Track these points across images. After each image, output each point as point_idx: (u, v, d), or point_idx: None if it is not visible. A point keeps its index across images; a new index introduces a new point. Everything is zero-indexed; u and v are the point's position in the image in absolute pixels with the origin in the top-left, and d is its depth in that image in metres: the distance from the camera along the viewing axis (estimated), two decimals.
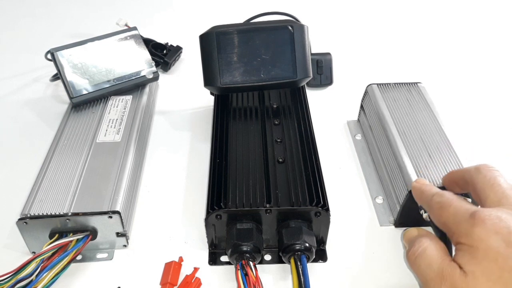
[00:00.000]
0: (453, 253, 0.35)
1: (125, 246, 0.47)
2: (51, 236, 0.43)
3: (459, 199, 0.36)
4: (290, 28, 0.54)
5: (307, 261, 0.41)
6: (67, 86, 0.57)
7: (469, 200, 0.39)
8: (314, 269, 0.44)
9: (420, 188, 0.42)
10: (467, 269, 0.32)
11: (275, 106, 0.57)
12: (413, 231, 0.40)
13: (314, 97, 0.68)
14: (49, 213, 0.43)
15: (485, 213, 0.32)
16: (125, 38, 0.62)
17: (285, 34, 0.54)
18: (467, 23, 0.91)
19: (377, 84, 0.59)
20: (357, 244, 0.47)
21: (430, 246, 0.35)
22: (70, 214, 0.43)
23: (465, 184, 0.39)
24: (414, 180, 0.44)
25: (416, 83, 0.59)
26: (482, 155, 0.58)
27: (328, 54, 0.70)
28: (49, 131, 0.60)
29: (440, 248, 0.35)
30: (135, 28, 0.63)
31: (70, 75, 0.57)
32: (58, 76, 0.57)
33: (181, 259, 0.45)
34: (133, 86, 0.61)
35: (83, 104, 0.58)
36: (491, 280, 0.30)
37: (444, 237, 0.37)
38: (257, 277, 0.41)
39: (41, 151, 0.54)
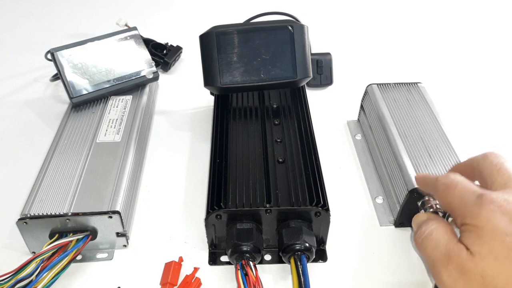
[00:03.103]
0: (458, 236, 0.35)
1: (125, 246, 0.47)
2: (51, 236, 0.43)
3: (465, 180, 0.36)
4: (290, 28, 0.54)
5: (307, 261, 0.42)
6: (67, 86, 0.57)
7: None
8: (314, 269, 0.44)
9: (423, 176, 0.41)
10: (473, 250, 0.31)
11: (275, 106, 0.57)
12: (423, 215, 0.40)
13: (314, 97, 0.68)
14: (49, 213, 0.43)
15: (492, 195, 0.32)
16: (125, 38, 0.62)
17: (285, 34, 0.54)
18: (467, 23, 0.91)
19: (377, 84, 0.59)
20: (357, 244, 0.47)
21: (437, 228, 0.35)
22: (70, 214, 0.43)
23: (471, 172, 0.38)
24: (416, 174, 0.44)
25: (416, 83, 0.59)
26: None
27: (328, 54, 0.70)
28: (49, 131, 0.60)
29: (447, 230, 0.35)
30: (135, 28, 0.63)
31: (70, 75, 0.57)
32: (58, 76, 0.57)
33: (181, 259, 0.45)
34: (133, 86, 0.61)
35: (83, 104, 0.58)
36: (498, 259, 0.30)
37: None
38: (257, 277, 0.41)
39: (41, 151, 0.54)
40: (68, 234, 0.43)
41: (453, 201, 0.35)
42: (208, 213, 0.43)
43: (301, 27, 0.54)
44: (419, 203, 0.44)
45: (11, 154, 0.59)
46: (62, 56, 0.57)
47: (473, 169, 0.38)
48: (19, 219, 0.43)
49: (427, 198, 0.43)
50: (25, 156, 0.58)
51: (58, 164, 0.49)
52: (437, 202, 0.42)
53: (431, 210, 0.42)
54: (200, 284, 0.43)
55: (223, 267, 0.45)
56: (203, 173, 0.55)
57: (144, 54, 0.62)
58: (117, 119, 0.56)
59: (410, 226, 0.48)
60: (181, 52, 0.78)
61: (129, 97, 0.60)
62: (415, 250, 0.45)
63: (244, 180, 0.45)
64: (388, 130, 0.53)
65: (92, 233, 0.44)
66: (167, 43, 0.77)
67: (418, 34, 0.87)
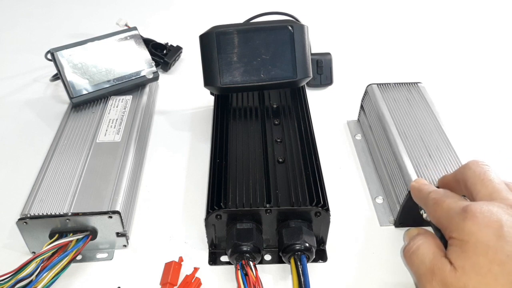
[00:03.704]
0: None
1: (125, 246, 0.47)
2: (51, 236, 0.43)
3: (454, 196, 0.36)
4: (290, 28, 0.54)
5: (307, 261, 0.42)
6: (67, 86, 0.57)
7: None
8: (314, 269, 0.44)
9: (418, 187, 0.42)
10: (457, 264, 0.32)
11: (275, 106, 0.57)
12: (414, 230, 0.40)
13: (314, 97, 0.68)
14: (49, 213, 0.43)
15: (477, 207, 0.32)
16: (125, 38, 0.62)
17: (285, 34, 0.54)
18: (467, 23, 0.91)
19: (377, 84, 0.59)
20: (357, 244, 0.47)
21: (424, 244, 0.36)
22: (70, 214, 0.43)
23: (457, 184, 0.39)
24: (414, 180, 0.44)
25: (416, 83, 0.59)
26: (482, 155, 0.58)
27: (328, 54, 0.70)
28: (49, 131, 0.60)
29: (434, 245, 0.35)
30: (135, 28, 0.63)
31: (70, 75, 0.57)
32: (58, 76, 0.57)
33: (181, 259, 0.45)
34: (133, 86, 0.61)
35: (83, 104, 0.58)
36: (480, 274, 0.30)
37: (442, 236, 0.37)
38: (257, 277, 0.41)
39: (41, 151, 0.54)
40: (68, 234, 0.43)
41: (441, 216, 0.35)
42: (208, 213, 0.43)
43: (301, 27, 0.54)
44: None
45: (11, 154, 0.59)
46: (62, 56, 0.57)
47: (457, 180, 0.38)
48: (19, 219, 0.43)
49: None
50: (25, 156, 0.58)
51: (58, 164, 0.49)
52: None
53: None
54: (200, 284, 0.43)
55: (223, 267, 0.45)
56: (203, 173, 0.55)
57: (144, 54, 0.62)
58: (117, 119, 0.56)
59: (410, 226, 0.48)
60: (181, 52, 0.78)
61: (129, 97, 0.60)
62: (404, 265, 0.45)
63: (244, 180, 0.45)
64: (388, 130, 0.53)
65: (92, 233, 0.44)
66: (167, 43, 0.77)
67: (418, 34, 0.87)
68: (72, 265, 0.44)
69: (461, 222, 0.32)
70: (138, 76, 0.61)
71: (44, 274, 0.40)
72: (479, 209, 0.32)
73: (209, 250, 0.46)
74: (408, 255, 0.36)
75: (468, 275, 0.31)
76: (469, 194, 0.36)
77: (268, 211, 0.42)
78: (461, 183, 0.38)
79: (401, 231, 0.49)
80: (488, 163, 0.37)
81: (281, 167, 0.47)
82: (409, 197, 0.45)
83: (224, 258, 0.45)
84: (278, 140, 0.51)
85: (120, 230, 0.45)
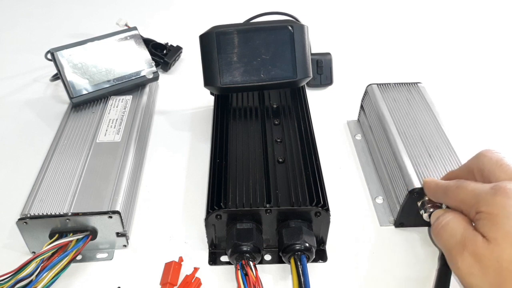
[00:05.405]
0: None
1: (125, 246, 0.47)
2: (51, 236, 0.43)
3: (475, 181, 0.37)
4: (290, 28, 0.54)
5: (307, 261, 0.42)
6: (67, 86, 0.57)
7: None
8: (314, 269, 0.44)
9: (434, 180, 0.42)
10: (489, 236, 0.32)
11: (275, 106, 0.57)
12: (440, 210, 0.41)
13: (314, 97, 0.68)
14: (49, 213, 0.43)
15: (506, 184, 0.33)
16: (125, 38, 0.62)
17: (285, 34, 0.54)
18: (467, 23, 0.91)
19: (377, 84, 0.59)
20: (357, 244, 0.47)
21: (454, 218, 0.36)
22: (70, 214, 0.43)
23: (469, 175, 0.39)
24: (426, 178, 0.44)
25: (416, 83, 0.59)
26: None
27: (328, 54, 0.70)
28: (49, 131, 0.60)
29: (463, 220, 0.36)
30: (135, 28, 0.63)
31: (70, 75, 0.57)
32: (58, 76, 0.57)
33: (181, 259, 0.45)
34: (133, 86, 0.61)
35: (83, 104, 0.58)
36: None
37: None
38: (257, 277, 0.41)
39: (41, 151, 0.54)
40: (68, 234, 0.43)
41: (466, 196, 0.36)
42: (208, 213, 0.43)
43: (301, 27, 0.54)
44: (419, 203, 0.44)
45: (11, 154, 0.59)
46: (62, 56, 0.57)
47: (471, 171, 0.39)
48: (19, 219, 0.43)
49: (427, 198, 0.43)
50: (25, 156, 0.58)
51: (58, 164, 0.49)
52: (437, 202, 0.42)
53: (431, 210, 0.42)
54: (200, 284, 0.43)
55: (223, 267, 0.45)
56: (203, 173, 0.55)
57: (144, 54, 0.62)
58: (117, 119, 0.56)
59: (410, 226, 0.49)
60: (181, 52, 0.78)
61: (129, 97, 0.60)
62: (433, 243, 0.45)
63: (244, 180, 0.45)
64: (388, 130, 0.53)
65: (92, 233, 0.44)
66: (167, 43, 0.77)
67: (418, 34, 0.87)
68: (72, 265, 0.44)
69: (490, 197, 0.33)
70: (138, 76, 0.61)
71: (44, 274, 0.40)
72: (508, 185, 0.33)
73: (209, 250, 0.46)
74: (437, 230, 0.37)
75: (502, 246, 0.31)
76: (487, 181, 0.37)
77: (268, 211, 0.42)
78: (475, 172, 0.38)
79: (401, 231, 0.49)
80: (500, 151, 0.38)
81: (281, 167, 0.47)
82: (409, 197, 0.45)
83: (224, 258, 0.45)
84: (278, 140, 0.51)
85: (120, 230, 0.45)
